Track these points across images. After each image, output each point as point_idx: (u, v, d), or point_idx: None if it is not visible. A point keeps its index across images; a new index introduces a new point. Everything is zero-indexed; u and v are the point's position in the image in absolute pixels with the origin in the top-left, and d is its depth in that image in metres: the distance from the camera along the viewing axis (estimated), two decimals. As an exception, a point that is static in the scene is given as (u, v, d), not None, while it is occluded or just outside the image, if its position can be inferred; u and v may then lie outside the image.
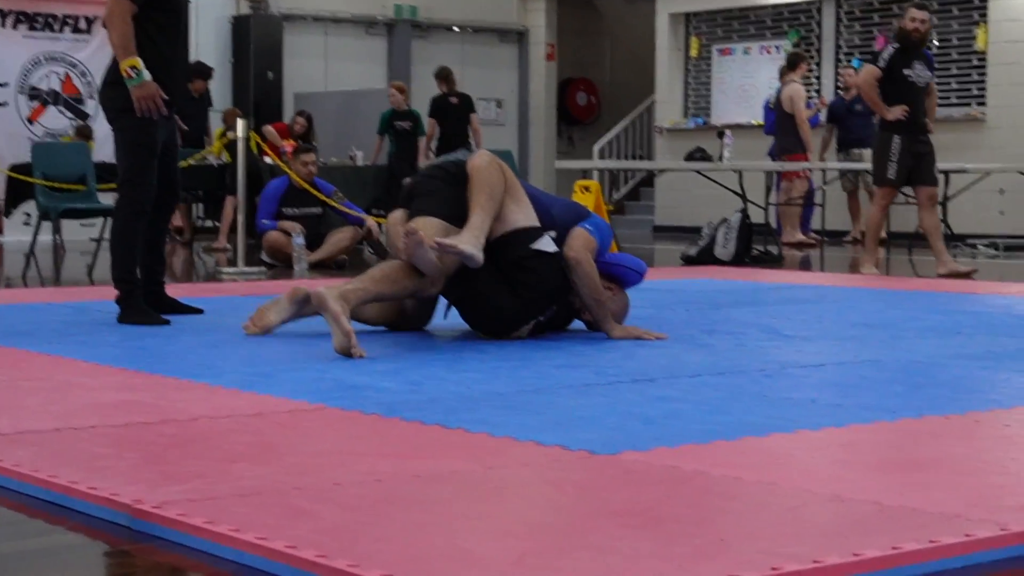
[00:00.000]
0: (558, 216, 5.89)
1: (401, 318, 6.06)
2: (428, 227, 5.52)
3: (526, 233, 5.71)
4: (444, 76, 15.38)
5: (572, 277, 5.76)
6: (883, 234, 10.76)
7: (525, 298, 5.75)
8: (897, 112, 10.03)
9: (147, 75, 6.41)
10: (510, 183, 5.72)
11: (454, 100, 15.12)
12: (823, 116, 15.63)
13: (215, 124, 15.73)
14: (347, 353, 5.12)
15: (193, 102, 14.83)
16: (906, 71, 10.11)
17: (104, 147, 15.24)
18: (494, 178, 5.62)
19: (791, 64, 15.15)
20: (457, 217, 5.58)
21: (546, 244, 5.73)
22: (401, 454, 3.49)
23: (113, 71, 6.58)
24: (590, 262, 5.76)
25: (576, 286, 5.78)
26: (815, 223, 14.90)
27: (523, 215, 5.73)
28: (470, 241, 5.43)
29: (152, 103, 6.46)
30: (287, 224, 11.09)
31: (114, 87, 6.55)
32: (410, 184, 5.97)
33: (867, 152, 15.05)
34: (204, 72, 15.08)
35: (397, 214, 5.86)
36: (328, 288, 5.32)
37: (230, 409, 4.10)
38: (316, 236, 11.18)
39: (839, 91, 15.75)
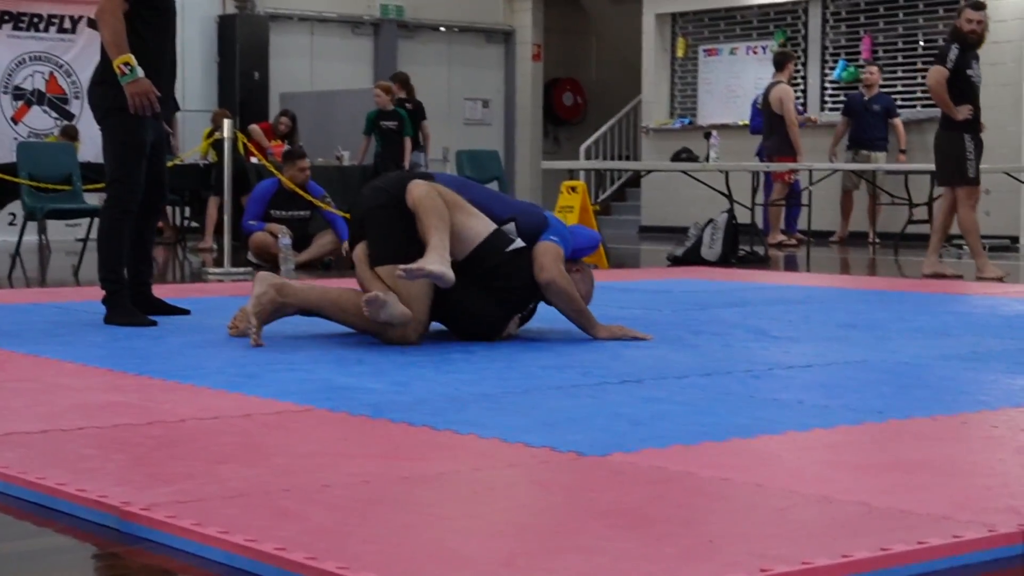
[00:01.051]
0: (520, 222, 5.85)
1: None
2: (388, 276, 5.57)
3: (495, 239, 5.71)
4: (403, 81, 15.41)
5: (549, 296, 5.77)
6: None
7: (509, 300, 5.77)
8: (965, 112, 10.14)
9: (140, 71, 6.38)
10: (451, 201, 5.68)
11: (409, 107, 15.15)
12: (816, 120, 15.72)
13: (192, 126, 15.75)
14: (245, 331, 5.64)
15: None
16: (968, 71, 10.19)
17: (90, 147, 15.23)
18: (437, 203, 5.60)
19: (778, 64, 15.15)
20: (414, 252, 5.53)
21: (516, 243, 5.74)
22: (389, 455, 3.49)
23: (102, 69, 6.55)
24: (564, 277, 5.77)
25: (554, 304, 5.80)
26: (801, 223, 14.91)
27: (481, 224, 5.74)
28: (436, 261, 5.41)
29: (146, 99, 6.42)
30: (273, 226, 11.07)
31: (103, 85, 6.53)
32: (360, 214, 5.89)
33: (877, 155, 15.10)
34: None
35: (359, 251, 5.78)
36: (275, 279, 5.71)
37: (217, 410, 4.09)
38: (303, 238, 11.17)
39: (860, 88, 15.75)
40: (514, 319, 5.85)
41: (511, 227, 5.79)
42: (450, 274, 5.42)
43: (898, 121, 15.42)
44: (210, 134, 14.14)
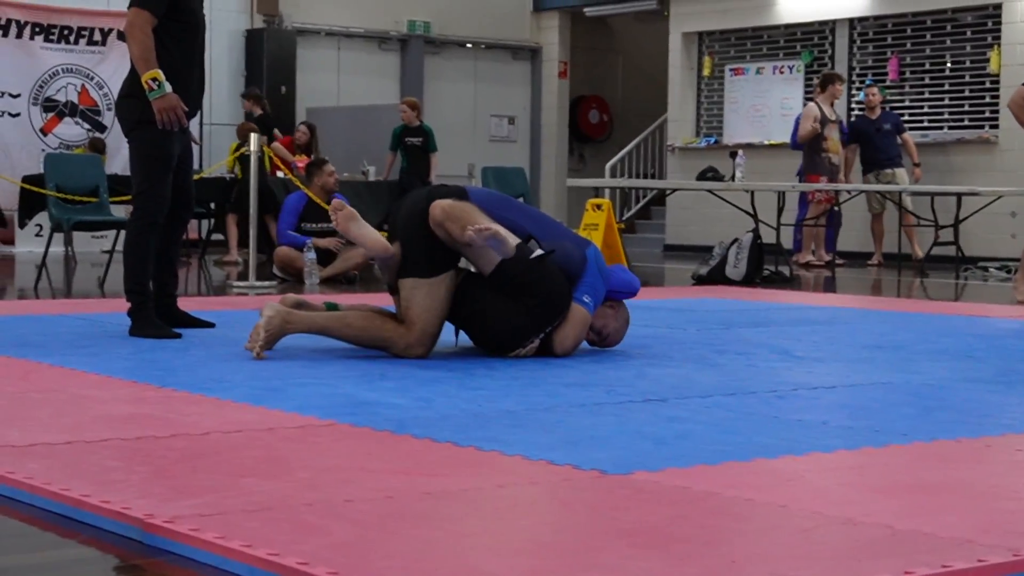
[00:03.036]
0: (558, 255, 5.84)
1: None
2: (405, 289, 5.72)
3: (517, 251, 5.70)
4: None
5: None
6: None
7: (535, 310, 5.75)
8: None
9: (168, 87, 6.42)
10: (476, 219, 5.69)
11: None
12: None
13: (218, 140, 15.81)
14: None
15: (255, 122, 14.88)
16: None
17: (117, 160, 15.32)
18: (460, 211, 5.64)
19: (820, 85, 15.13)
20: (439, 265, 5.71)
21: (538, 251, 5.75)
22: (412, 471, 3.49)
23: (131, 83, 6.58)
24: (576, 347, 5.91)
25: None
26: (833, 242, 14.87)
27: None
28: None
29: (174, 115, 6.46)
30: (323, 242, 11.06)
31: (130, 99, 6.56)
32: (393, 223, 5.94)
33: (899, 172, 15.01)
34: (255, 98, 15.14)
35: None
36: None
37: (241, 424, 4.10)
38: (329, 251, 11.19)
39: (862, 110, 15.67)
40: (533, 340, 5.80)
41: (532, 244, 5.78)
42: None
43: (908, 136, 15.34)
44: (236, 148, 14.17)
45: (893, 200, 14.78)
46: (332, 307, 5.89)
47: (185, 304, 7.14)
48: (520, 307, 5.72)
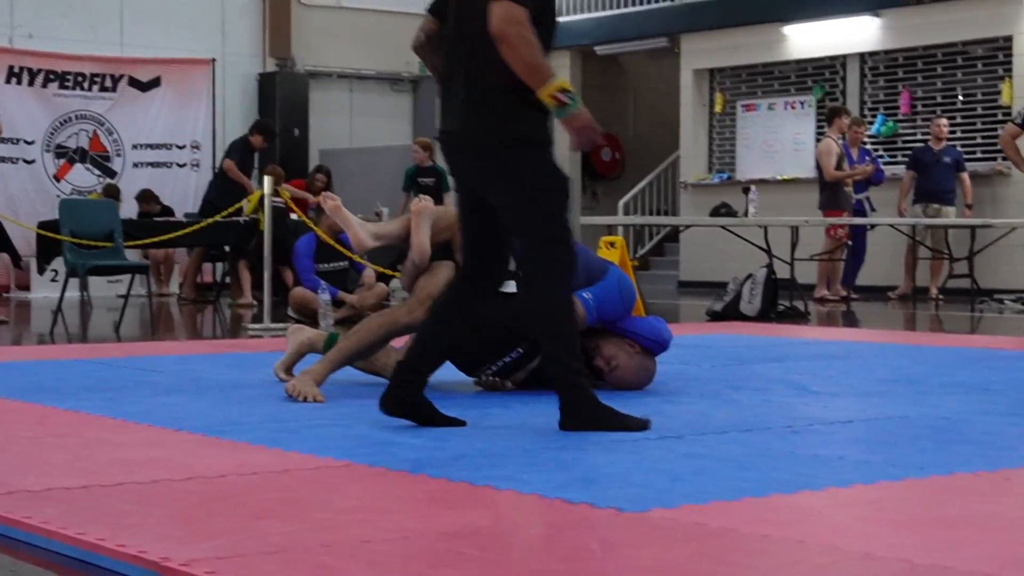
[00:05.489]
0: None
1: None
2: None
3: None
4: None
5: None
6: None
7: (484, 336, 5.85)
8: None
9: (580, 100, 4.87)
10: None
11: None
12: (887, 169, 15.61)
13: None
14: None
15: (251, 155, 14.93)
16: None
17: (131, 205, 15.38)
18: (440, 213, 6.03)
19: (827, 119, 15.15)
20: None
21: (507, 286, 5.79)
22: (428, 511, 3.48)
23: (504, 98, 4.82)
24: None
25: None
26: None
27: None
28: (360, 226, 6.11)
29: (593, 134, 4.94)
30: (349, 298, 11.07)
31: (504, 118, 4.85)
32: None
33: (947, 210, 14.92)
34: (266, 129, 15.14)
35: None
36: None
37: (256, 466, 4.10)
38: (346, 290, 11.22)
39: (928, 141, 15.58)
40: (492, 365, 5.86)
41: (509, 283, 5.85)
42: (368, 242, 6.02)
43: (966, 175, 15.22)
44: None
45: (916, 240, 14.77)
46: (334, 336, 6.00)
47: (200, 348, 7.15)
48: (479, 332, 5.82)
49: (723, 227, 13.59)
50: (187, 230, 13.17)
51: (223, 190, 14.51)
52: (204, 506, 3.53)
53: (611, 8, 19.92)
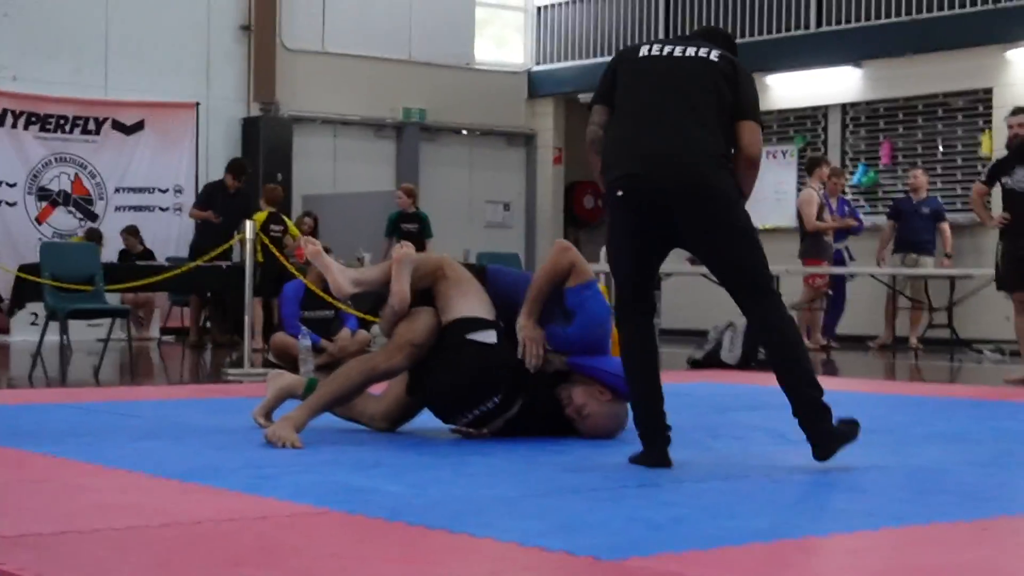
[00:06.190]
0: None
1: (397, 415, 6.16)
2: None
3: (465, 323, 5.90)
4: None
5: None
6: None
7: (459, 382, 5.85)
8: (997, 220, 10.21)
9: None
10: (455, 277, 6.05)
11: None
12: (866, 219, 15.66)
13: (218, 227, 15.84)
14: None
15: (230, 198, 14.96)
16: (1004, 179, 10.22)
17: (112, 248, 15.36)
18: (423, 260, 6.11)
19: (808, 168, 15.21)
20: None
21: (485, 336, 5.81)
22: (405, 559, 3.47)
23: (729, 161, 5.25)
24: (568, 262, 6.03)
25: None
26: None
27: (466, 307, 5.95)
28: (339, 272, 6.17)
29: None
30: (329, 347, 11.05)
31: (732, 176, 5.25)
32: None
33: (925, 259, 14.97)
34: (235, 167, 15.22)
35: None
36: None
37: (233, 512, 4.08)
38: (328, 338, 11.20)
39: (908, 192, 15.60)
40: (468, 414, 5.88)
41: (490, 332, 5.86)
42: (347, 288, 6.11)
43: (946, 225, 15.26)
44: (264, 219, 14.11)
45: (898, 289, 14.82)
46: (313, 382, 6.00)
47: (179, 392, 7.13)
48: (454, 378, 5.84)
49: (704, 275, 13.60)
50: (168, 274, 13.14)
51: (206, 235, 14.54)
52: (180, 552, 3.52)
53: (594, 56, 20.03)
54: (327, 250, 12.07)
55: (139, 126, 16.97)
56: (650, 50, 5.36)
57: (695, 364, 11.93)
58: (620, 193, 5.18)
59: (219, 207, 14.86)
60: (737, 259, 5.20)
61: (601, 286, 11.59)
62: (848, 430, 5.16)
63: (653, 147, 5.18)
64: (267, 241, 12.65)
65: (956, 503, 4.41)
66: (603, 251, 19.03)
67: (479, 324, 5.90)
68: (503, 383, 5.86)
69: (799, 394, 5.16)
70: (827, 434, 5.12)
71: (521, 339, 5.88)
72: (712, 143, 5.19)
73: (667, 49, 5.34)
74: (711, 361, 11.87)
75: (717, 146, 5.19)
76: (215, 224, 14.54)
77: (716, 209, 5.14)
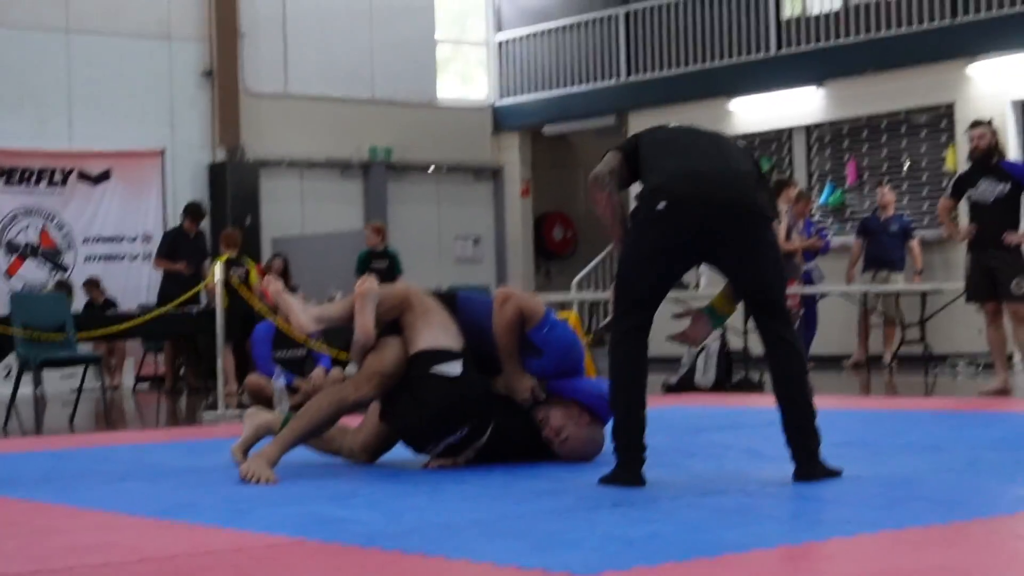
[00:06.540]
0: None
1: (376, 445, 6.16)
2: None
3: (429, 356, 5.90)
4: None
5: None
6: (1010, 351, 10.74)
7: (426, 415, 5.86)
8: (964, 233, 10.27)
9: None
10: (421, 307, 6.03)
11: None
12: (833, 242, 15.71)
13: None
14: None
15: (191, 242, 14.97)
16: (969, 192, 10.28)
17: (81, 299, 15.31)
18: (388, 292, 6.09)
19: (775, 190, 15.24)
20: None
21: (450, 368, 5.82)
22: (381, 583, 3.47)
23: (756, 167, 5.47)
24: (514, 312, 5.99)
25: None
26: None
27: (430, 338, 5.95)
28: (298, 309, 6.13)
29: None
30: (304, 386, 10.99)
31: (765, 191, 5.44)
32: None
33: (896, 276, 15.01)
34: (190, 211, 15.24)
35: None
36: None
37: (209, 546, 4.07)
38: (302, 377, 11.17)
39: (876, 210, 15.64)
40: (437, 443, 5.90)
41: (455, 364, 5.87)
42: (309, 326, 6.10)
43: (915, 243, 15.31)
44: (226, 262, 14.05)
45: (870, 307, 14.86)
46: (289, 417, 6.00)
47: (155, 436, 7.12)
48: (420, 411, 5.86)
49: (675, 300, 13.63)
50: (137, 321, 13.11)
51: (173, 281, 14.52)
52: (156, 586, 3.51)
53: (558, 87, 20.10)
54: (293, 289, 12.11)
55: (105, 175, 16.95)
56: (668, 124, 5.67)
57: (669, 388, 11.94)
58: (663, 206, 5.20)
59: (182, 253, 14.87)
60: (769, 278, 5.27)
61: (571, 314, 11.63)
62: (834, 469, 5.24)
63: (698, 166, 5.28)
64: (237, 284, 12.64)
65: (930, 508, 4.43)
66: (575, 281, 19.11)
67: (443, 356, 5.90)
68: (469, 415, 5.87)
69: (795, 410, 5.26)
70: (813, 457, 5.20)
71: (523, 399, 5.97)
72: (748, 164, 5.39)
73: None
74: (685, 385, 11.90)
75: (753, 167, 5.37)
76: (180, 273, 14.57)
77: (758, 227, 5.23)
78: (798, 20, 17.40)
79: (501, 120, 20.85)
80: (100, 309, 15.41)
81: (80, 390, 11.74)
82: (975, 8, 15.63)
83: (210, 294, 12.82)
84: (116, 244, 16.96)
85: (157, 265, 15.27)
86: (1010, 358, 11.01)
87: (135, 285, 16.71)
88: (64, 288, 15.07)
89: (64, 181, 16.72)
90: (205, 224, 17.25)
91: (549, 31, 20.38)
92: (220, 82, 18.27)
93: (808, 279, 14.91)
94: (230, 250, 14.37)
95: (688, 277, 13.70)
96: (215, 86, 18.28)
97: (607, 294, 18.36)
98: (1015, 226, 10.31)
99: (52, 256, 16.62)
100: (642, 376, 5.31)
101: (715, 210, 5.17)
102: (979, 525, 4.12)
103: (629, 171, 5.48)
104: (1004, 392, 10.04)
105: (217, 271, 10.92)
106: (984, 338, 10.71)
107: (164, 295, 14.38)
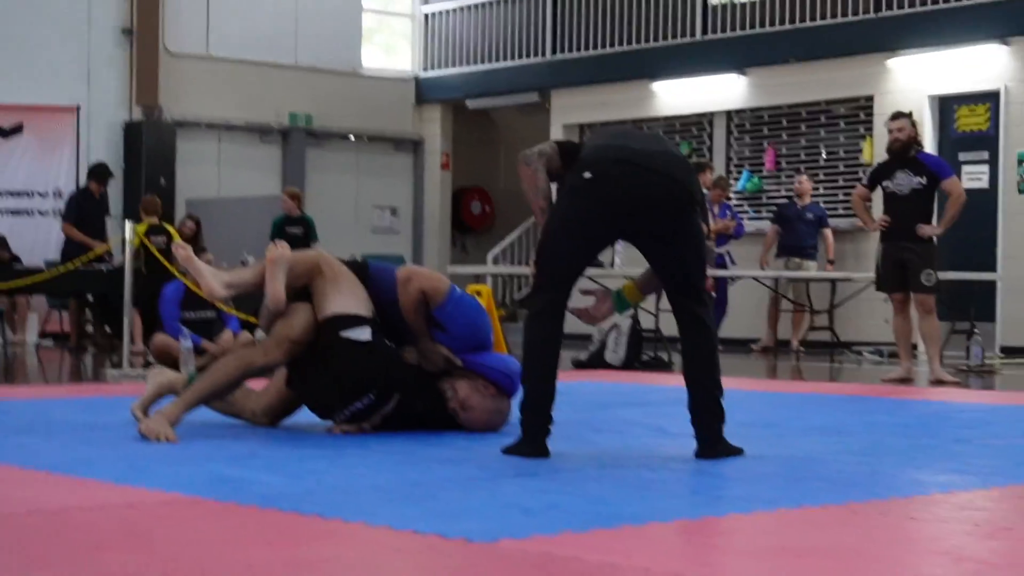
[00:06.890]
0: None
1: (279, 410, 6.12)
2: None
3: (339, 320, 5.86)
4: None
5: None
6: (914, 341, 10.84)
7: (333, 380, 5.84)
8: (878, 222, 10.33)
9: None
10: (332, 273, 5.99)
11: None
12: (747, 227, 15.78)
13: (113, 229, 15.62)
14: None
15: (96, 204, 14.73)
16: (885, 183, 10.35)
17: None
18: (297, 258, 6.02)
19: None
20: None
21: (359, 334, 5.80)
22: (275, 543, 3.43)
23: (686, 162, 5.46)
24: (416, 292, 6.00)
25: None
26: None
27: (341, 303, 5.91)
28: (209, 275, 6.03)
29: None
30: (211, 348, 10.87)
31: (691, 176, 5.33)
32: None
33: (808, 264, 15.14)
34: (96, 172, 14.97)
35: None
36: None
37: (101, 500, 4.02)
38: (210, 339, 11.08)
39: (792, 197, 15.73)
40: (343, 410, 5.86)
41: (364, 329, 5.83)
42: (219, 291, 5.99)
43: (829, 232, 15.43)
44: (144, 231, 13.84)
45: (782, 293, 14.97)
46: (194, 377, 5.94)
47: (55, 392, 7.02)
48: (329, 377, 5.83)
49: (589, 278, 13.65)
50: (44, 275, 12.92)
51: (77, 244, 14.18)
52: (43, 538, 3.45)
53: (482, 62, 20.05)
54: (203, 250, 11.97)
55: (18, 129, 16.69)
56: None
57: (579, 365, 11.96)
58: (588, 175, 5.16)
59: (88, 215, 14.59)
60: (690, 260, 5.27)
61: (484, 287, 11.61)
62: (736, 448, 5.28)
63: (631, 144, 5.28)
64: (156, 253, 12.49)
65: (828, 489, 4.46)
66: (490, 256, 19.10)
67: (352, 321, 5.86)
68: (377, 381, 5.84)
69: (702, 388, 5.29)
70: (717, 436, 5.24)
71: (436, 367, 5.98)
72: (682, 154, 5.45)
73: None
74: (595, 362, 11.92)
75: (686, 157, 5.43)
76: (87, 228, 14.30)
77: (685, 208, 5.20)
78: (724, 6, 17.45)
79: (424, 92, 20.77)
80: (4, 266, 15.14)
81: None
82: (897, 3, 15.74)
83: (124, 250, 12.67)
84: (27, 199, 16.71)
85: (66, 232, 14.82)
86: (914, 347, 11.12)
87: (44, 240, 16.45)
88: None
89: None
90: (118, 183, 17.06)
91: (476, 5, 20.31)
92: (139, 40, 18.05)
93: (721, 263, 14.99)
94: (150, 217, 14.19)
95: (603, 256, 13.69)
96: (134, 44, 18.04)
97: (523, 269, 18.40)
98: (928, 219, 10.42)
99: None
100: (554, 351, 5.29)
101: (642, 183, 5.14)
102: (873, 506, 4.14)
103: (563, 162, 5.39)
104: (907, 380, 10.17)
105: (128, 229, 10.78)
106: (890, 327, 10.82)
107: (66, 254, 14.12)
